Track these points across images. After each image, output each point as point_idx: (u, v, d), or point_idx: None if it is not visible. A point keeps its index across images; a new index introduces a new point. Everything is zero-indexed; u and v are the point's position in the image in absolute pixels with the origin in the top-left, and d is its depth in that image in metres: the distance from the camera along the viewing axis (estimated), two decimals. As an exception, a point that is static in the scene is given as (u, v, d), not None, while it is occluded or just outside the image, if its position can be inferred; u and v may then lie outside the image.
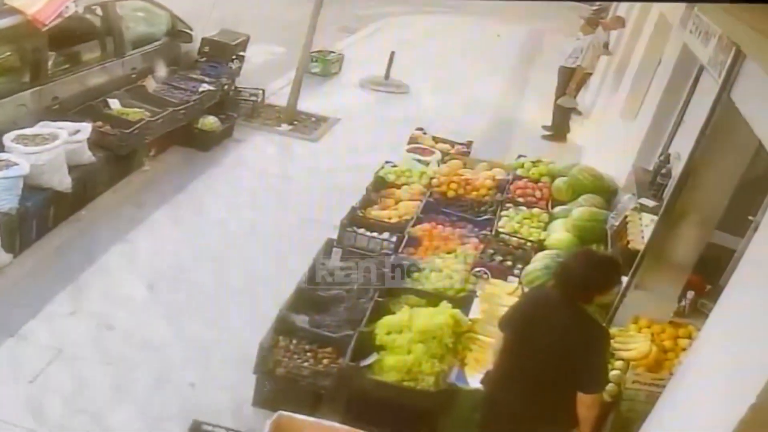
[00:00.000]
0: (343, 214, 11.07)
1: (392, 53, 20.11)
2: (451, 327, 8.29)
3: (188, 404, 8.15)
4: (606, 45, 18.85)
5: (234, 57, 16.59)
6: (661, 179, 10.52)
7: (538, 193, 12.45)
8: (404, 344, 8.05)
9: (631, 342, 8.10)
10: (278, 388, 8.21)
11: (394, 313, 8.63)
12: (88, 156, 11.57)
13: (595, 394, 6.44)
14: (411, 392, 7.85)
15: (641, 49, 15.63)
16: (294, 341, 8.41)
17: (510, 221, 11.42)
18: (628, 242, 9.52)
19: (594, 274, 6.50)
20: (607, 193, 12.05)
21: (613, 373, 7.57)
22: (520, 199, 12.19)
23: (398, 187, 12.36)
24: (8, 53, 11.62)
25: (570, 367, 6.30)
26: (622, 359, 7.87)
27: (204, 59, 16.04)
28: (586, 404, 6.39)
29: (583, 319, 6.46)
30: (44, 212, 10.84)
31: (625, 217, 10.16)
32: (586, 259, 6.73)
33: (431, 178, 12.48)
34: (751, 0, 5.07)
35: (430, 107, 18.07)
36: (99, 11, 13.41)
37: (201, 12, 16.13)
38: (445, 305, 8.72)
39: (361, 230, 10.82)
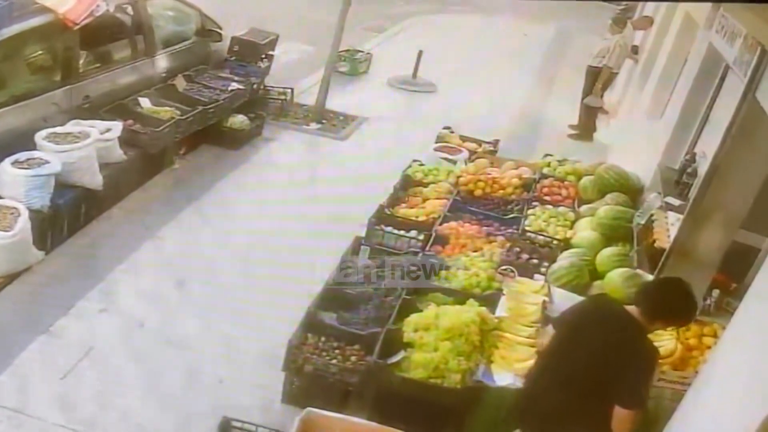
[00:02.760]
0: (371, 213, 11.12)
1: (420, 52, 20.08)
2: (478, 325, 8.29)
3: (218, 401, 8.21)
4: (636, 50, 18.88)
5: (263, 56, 16.64)
6: (686, 178, 10.57)
7: (564, 192, 12.45)
8: (431, 342, 8.09)
9: (656, 340, 8.13)
10: (307, 385, 8.28)
11: (421, 311, 8.67)
12: (119, 154, 11.68)
13: (632, 411, 6.36)
14: (437, 389, 7.89)
15: (667, 48, 15.65)
16: (322, 338, 8.47)
17: (536, 220, 11.44)
18: (653, 241, 9.58)
19: (679, 308, 6.57)
20: (633, 192, 12.03)
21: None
22: (547, 198, 12.20)
23: (426, 185, 12.37)
24: (40, 52, 11.70)
25: (614, 380, 6.30)
26: (648, 357, 7.90)
27: (233, 58, 16.12)
28: (621, 419, 6.32)
29: (639, 336, 6.46)
30: (75, 210, 10.95)
31: (651, 215, 10.22)
32: (678, 294, 6.63)
33: (458, 177, 12.49)
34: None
35: (458, 106, 18.02)
36: (129, 10, 13.50)
37: (230, 11, 16.21)
38: (471, 303, 8.77)
39: (389, 228, 10.84)
